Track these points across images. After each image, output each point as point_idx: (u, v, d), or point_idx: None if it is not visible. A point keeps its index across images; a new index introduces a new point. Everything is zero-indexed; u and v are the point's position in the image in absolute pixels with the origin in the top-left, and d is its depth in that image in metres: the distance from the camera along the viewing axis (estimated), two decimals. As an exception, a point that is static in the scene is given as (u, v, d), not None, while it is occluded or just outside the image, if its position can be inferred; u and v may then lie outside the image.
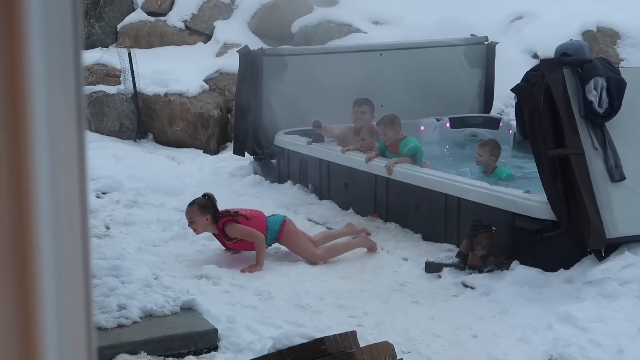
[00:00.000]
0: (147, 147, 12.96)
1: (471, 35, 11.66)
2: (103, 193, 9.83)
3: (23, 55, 0.98)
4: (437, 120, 11.13)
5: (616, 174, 6.49)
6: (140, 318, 5.73)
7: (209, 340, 5.58)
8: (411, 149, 8.50)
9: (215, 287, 6.80)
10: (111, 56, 13.86)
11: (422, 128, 10.96)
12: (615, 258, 6.26)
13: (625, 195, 6.50)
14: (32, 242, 1.01)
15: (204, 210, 7.45)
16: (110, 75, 13.84)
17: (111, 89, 13.40)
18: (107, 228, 8.44)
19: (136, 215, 8.82)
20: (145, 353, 5.36)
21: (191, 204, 7.56)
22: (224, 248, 7.72)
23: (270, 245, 7.65)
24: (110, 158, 11.30)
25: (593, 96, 6.50)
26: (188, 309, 5.94)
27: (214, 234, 7.65)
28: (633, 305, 5.77)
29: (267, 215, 7.75)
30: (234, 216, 7.47)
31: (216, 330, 5.62)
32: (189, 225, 7.61)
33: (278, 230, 7.57)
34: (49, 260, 1.01)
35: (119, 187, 9.91)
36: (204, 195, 7.64)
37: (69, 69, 1.02)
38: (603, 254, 6.36)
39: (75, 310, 1.09)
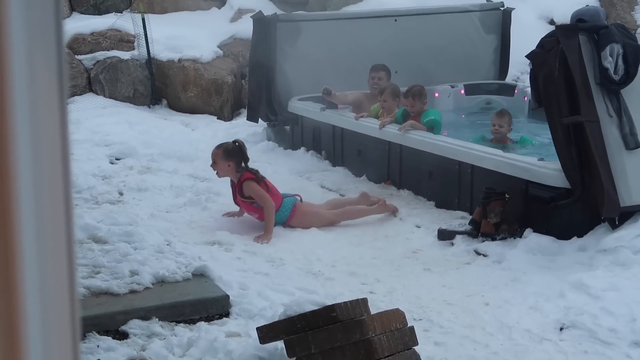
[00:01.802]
0: (161, 113, 12.94)
1: (487, 0, 11.54)
2: (117, 159, 9.83)
3: (2, 26, 0.95)
4: (452, 87, 11.05)
5: (631, 142, 6.43)
6: (152, 284, 5.75)
7: (221, 306, 5.59)
8: (430, 121, 8.44)
9: (228, 253, 6.80)
10: (125, 21, 13.80)
11: (436, 95, 10.89)
12: (629, 226, 6.22)
13: (640, 163, 6.44)
14: (13, 227, 0.99)
15: (228, 156, 7.49)
16: (124, 40, 13.78)
17: (125, 55, 13.35)
18: (121, 194, 8.43)
19: (149, 182, 8.81)
20: (157, 319, 5.37)
21: (218, 147, 7.64)
22: (236, 209, 7.69)
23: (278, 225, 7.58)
24: (124, 124, 11.30)
25: (609, 63, 6.42)
26: (200, 275, 5.95)
27: (232, 183, 7.63)
28: (646, 273, 5.74)
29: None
30: (256, 176, 7.44)
31: (228, 296, 5.62)
32: (211, 166, 7.64)
33: (288, 215, 7.54)
34: (30, 242, 0.99)
35: (132, 153, 9.91)
36: (235, 141, 7.65)
37: (51, 40, 0.99)
38: (617, 222, 6.31)
39: (59, 295, 1.07)
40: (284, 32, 10.35)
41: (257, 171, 7.58)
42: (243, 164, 7.55)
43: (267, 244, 7.10)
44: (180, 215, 7.81)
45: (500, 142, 8.40)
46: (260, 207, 7.42)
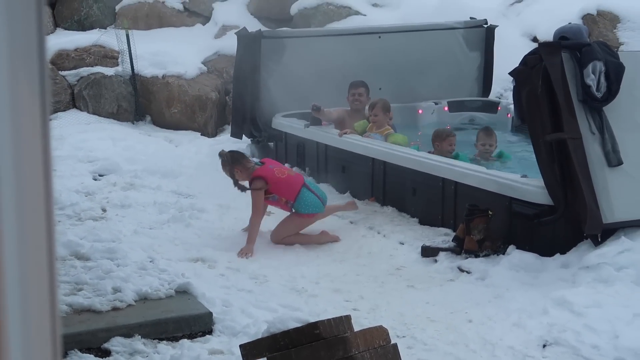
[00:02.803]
0: (145, 129, 12.92)
1: (470, 18, 11.61)
2: (100, 175, 9.80)
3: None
4: (436, 103, 11.10)
5: (613, 159, 6.46)
6: (135, 301, 5.73)
7: (204, 323, 5.58)
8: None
9: (211, 270, 6.80)
10: (109, 37, 13.80)
11: (420, 111, 10.94)
12: (612, 243, 6.25)
13: (622, 180, 6.47)
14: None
15: (227, 166, 7.74)
16: (108, 56, 13.78)
17: (109, 71, 13.34)
18: (104, 210, 8.42)
19: (133, 198, 8.80)
20: (140, 336, 5.36)
21: (222, 165, 7.87)
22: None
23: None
24: (107, 140, 11.28)
25: (591, 80, 6.46)
26: (183, 292, 5.94)
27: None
28: (629, 290, 5.76)
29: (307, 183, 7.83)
30: (261, 169, 7.65)
31: (211, 313, 5.61)
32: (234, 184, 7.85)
33: (302, 210, 7.64)
34: (11, 250, 0.99)
35: (116, 170, 9.89)
36: (220, 154, 7.90)
37: (33, 55, 0.99)
38: (599, 239, 6.34)
39: (39, 307, 1.07)
40: (268, 48, 10.37)
41: (263, 163, 7.82)
42: (249, 164, 7.74)
43: (251, 257, 7.11)
44: (164, 231, 7.80)
45: (483, 159, 8.46)
46: (276, 199, 7.64)
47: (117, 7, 15.99)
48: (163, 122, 13.26)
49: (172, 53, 13.72)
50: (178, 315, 5.58)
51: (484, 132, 8.76)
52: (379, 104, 9.10)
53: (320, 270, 6.86)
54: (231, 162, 7.73)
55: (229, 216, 8.35)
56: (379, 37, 11.01)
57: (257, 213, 7.49)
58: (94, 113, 13.05)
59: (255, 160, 8.00)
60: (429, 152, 8.34)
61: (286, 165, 10.04)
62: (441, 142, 8.38)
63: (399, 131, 9.27)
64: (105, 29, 15.22)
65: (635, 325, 5.36)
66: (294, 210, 7.66)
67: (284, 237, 7.58)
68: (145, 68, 13.32)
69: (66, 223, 7.85)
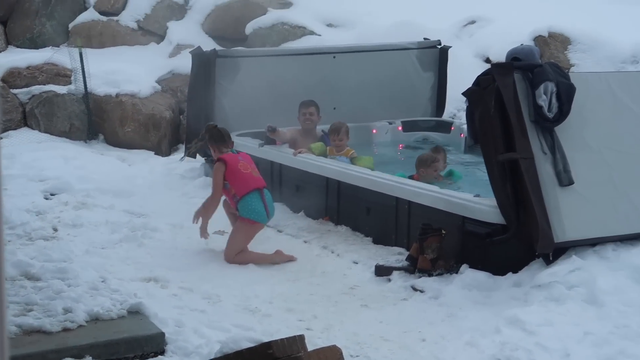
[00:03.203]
0: (98, 148, 12.83)
1: (424, 39, 11.70)
2: (51, 194, 9.69)
3: None
4: (390, 123, 11.16)
5: (565, 179, 6.53)
6: (87, 322, 5.65)
7: (156, 344, 5.52)
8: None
9: (164, 290, 6.74)
10: (62, 55, 13.70)
11: (374, 131, 10.99)
12: (563, 262, 6.31)
13: (574, 200, 6.54)
14: None
15: (206, 140, 8.00)
16: (60, 75, 13.67)
17: (62, 89, 13.24)
18: (55, 230, 8.32)
19: (85, 217, 8.71)
20: (91, 357, 5.28)
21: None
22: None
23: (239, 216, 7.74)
24: (59, 159, 11.17)
25: (543, 101, 6.53)
26: (135, 312, 5.87)
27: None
28: (580, 309, 5.82)
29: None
30: (229, 154, 7.79)
31: (163, 334, 5.55)
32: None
33: (245, 214, 7.63)
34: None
35: (67, 189, 9.79)
36: (207, 125, 8.16)
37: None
38: (551, 258, 6.40)
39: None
40: (223, 67, 10.36)
41: (237, 152, 7.95)
42: (225, 149, 7.85)
43: (206, 275, 7.07)
44: (116, 251, 7.74)
45: (437, 178, 8.50)
46: (227, 187, 7.71)
47: (71, 26, 15.90)
48: (116, 141, 13.18)
49: (126, 72, 13.66)
50: (130, 336, 5.51)
51: (433, 150, 8.83)
52: (344, 129, 9.14)
53: (273, 290, 6.83)
54: (209, 138, 7.95)
55: (182, 236, 8.30)
56: (334, 57, 11.05)
57: (215, 192, 7.72)
58: (45, 132, 12.93)
59: (234, 150, 7.99)
60: (412, 177, 8.24)
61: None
62: (426, 168, 8.30)
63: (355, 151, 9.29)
64: (58, 47, 15.14)
65: (586, 343, 5.42)
66: (237, 210, 7.66)
67: (237, 253, 7.54)
68: (99, 86, 13.24)
69: (16, 243, 7.75)
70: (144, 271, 7.12)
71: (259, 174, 7.86)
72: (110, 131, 13.25)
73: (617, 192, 6.72)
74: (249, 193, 7.63)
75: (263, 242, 7.96)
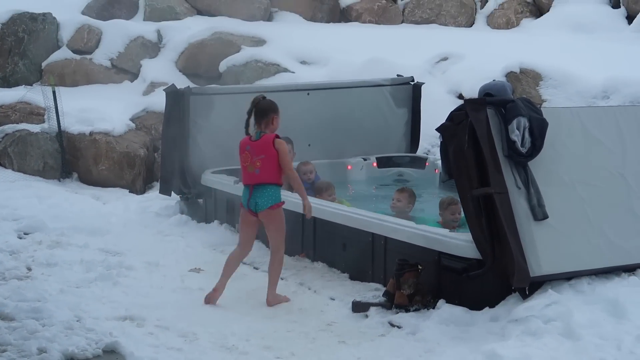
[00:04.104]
0: (72, 186, 12.78)
1: (397, 75, 11.78)
2: (25, 234, 9.64)
3: None
4: (364, 159, 11.20)
5: (539, 213, 6.57)
6: (61, 362, 5.61)
7: (132, 383, 5.48)
8: None
9: (140, 328, 6.69)
10: (35, 94, 13.67)
11: (349, 167, 11.02)
12: (539, 296, 6.33)
13: (548, 234, 6.58)
14: None
15: (267, 110, 7.53)
16: (34, 113, 13.65)
17: (35, 128, 13.21)
18: (29, 269, 8.27)
19: (59, 256, 8.65)
20: (66, 398, 5.24)
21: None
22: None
23: (248, 210, 7.49)
24: (32, 198, 11.12)
25: (516, 136, 6.58)
26: (111, 351, 5.85)
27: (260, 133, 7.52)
28: (557, 342, 5.83)
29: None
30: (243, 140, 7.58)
31: (139, 373, 5.51)
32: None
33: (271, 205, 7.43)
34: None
35: (41, 228, 9.74)
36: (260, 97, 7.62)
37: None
38: (527, 292, 6.41)
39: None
40: (197, 105, 10.37)
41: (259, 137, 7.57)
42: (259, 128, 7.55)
43: (183, 314, 7.02)
44: (91, 290, 7.68)
45: (401, 217, 8.46)
46: None
47: (44, 64, 15.87)
48: (90, 180, 13.14)
49: (100, 110, 13.65)
50: (105, 376, 5.47)
51: (398, 189, 8.95)
52: (332, 188, 9.19)
53: (250, 327, 6.80)
54: (274, 109, 7.54)
55: (157, 273, 8.26)
56: (308, 93, 11.09)
57: (293, 171, 7.51)
58: (19, 170, 12.88)
59: (259, 133, 7.57)
60: (438, 222, 8.19)
61: (216, 221, 10.01)
62: (444, 211, 8.27)
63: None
64: (32, 85, 15.10)
65: (563, 377, 5.43)
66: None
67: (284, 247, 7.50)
68: (72, 125, 13.21)
69: (-10, 282, 7.68)
70: (120, 310, 7.07)
71: (256, 169, 7.45)
72: (84, 169, 13.20)
73: (591, 226, 6.77)
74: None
75: (239, 279, 7.93)
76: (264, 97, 7.61)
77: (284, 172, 7.42)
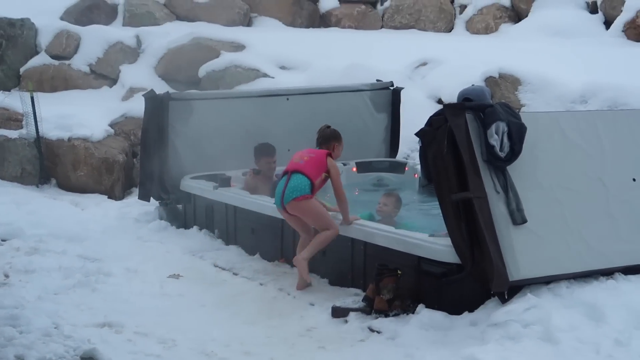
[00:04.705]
0: (50, 192, 12.73)
1: (377, 80, 11.79)
2: (3, 240, 9.58)
3: None
4: (344, 164, 11.18)
5: (518, 217, 6.58)
6: (39, 369, 5.57)
7: (111, 390, 5.45)
8: None
9: (118, 335, 6.66)
10: (13, 100, 13.61)
11: (328, 172, 10.98)
12: (518, 300, 6.34)
13: (527, 238, 6.59)
14: None
15: (329, 137, 8.10)
16: (12, 119, 13.57)
17: (13, 134, 13.15)
18: (6, 276, 8.21)
19: (37, 263, 8.60)
20: (44, 405, 5.20)
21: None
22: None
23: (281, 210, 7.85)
24: (10, 204, 11.04)
25: (495, 140, 6.59)
26: (89, 358, 5.82)
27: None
28: (536, 346, 5.83)
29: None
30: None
31: (118, 380, 5.49)
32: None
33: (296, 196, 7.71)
34: None
35: (19, 234, 9.67)
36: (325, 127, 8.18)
37: None
38: (506, 297, 6.42)
39: None
40: (176, 110, 10.34)
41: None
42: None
43: (161, 320, 7.00)
44: (69, 297, 7.63)
45: (386, 222, 8.48)
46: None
47: (22, 70, 15.79)
48: (69, 186, 13.08)
49: (78, 115, 13.60)
50: (84, 383, 5.44)
51: (385, 193, 8.99)
52: None
53: (230, 333, 6.78)
54: (336, 136, 8.06)
55: (136, 280, 8.23)
56: (287, 99, 11.09)
57: (343, 193, 7.81)
58: (-4, 177, 12.80)
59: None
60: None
61: (195, 227, 9.99)
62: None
63: None
64: (9, 91, 15.01)
65: (542, 381, 5.44)
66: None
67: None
68: (51, 130, 13.15)
69: (-33, 290, 7.62)
70: (98, 316, 7.03)
71: (302, 159, 7.89)
72: (63, 175, 13.15)
73: (570, 230, 6.78)
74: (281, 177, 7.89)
75: (219, 284, 7.92)
76: (328, 127, 8.18)
77: (333, 186, 7.82)
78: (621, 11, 16.88)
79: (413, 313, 6.77)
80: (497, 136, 6.59)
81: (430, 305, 6.76)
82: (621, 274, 6.72)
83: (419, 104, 13.05)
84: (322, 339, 6.68)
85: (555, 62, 13.95)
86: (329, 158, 7.87)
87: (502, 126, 6.64)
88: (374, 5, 19.37)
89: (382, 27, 18.79)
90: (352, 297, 7.39)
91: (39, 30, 16.16)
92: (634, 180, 7.17)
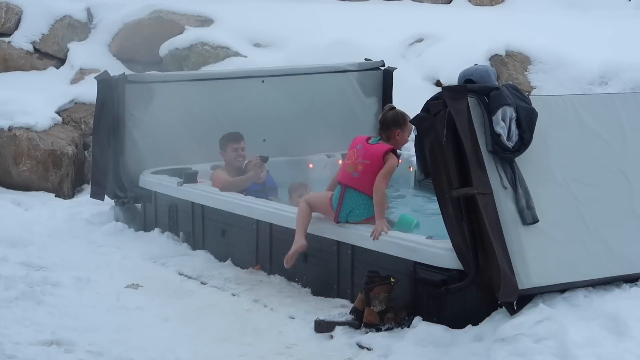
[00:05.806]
0: (-12, 190, 12.70)
1: (366, 59, 11.81)
2: None
3: None
4: (328, 156, 11.20)
5: (528, 216, 6.60)
6: (-23, 394, 5.57)
7: (60, 418, 5.45)
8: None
9: (68, 354, 6.66)
10: (-56, 83, 13.57)
11: (310, 166, 11.01)
12: (529, 311, 6.36)
13: (539, 240, 6.61)
14: None
15: (391, 124, 7.78)
16: (-57, 105, 13.53)
17: (-56, 122, 13.11)
18: (-63, 287, 8.19)
19: (-26, 272, 8.58)
20: None
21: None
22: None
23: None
24: (-58, 204, 11.03)
25: (501, 128, 6.62)
26: (34, 381, 5.80)
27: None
28: (549, 364, 5.87)
29: None
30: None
31: (68, 406, 5.49)
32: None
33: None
34: None
35: (-48, 239, 9.66)
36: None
37: None
38: (515, 307, 6.45)
39: None
40: (134, 95, 10.33)
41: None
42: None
43: (119, 337, 7.01)
44: (11, 310, 7.61)
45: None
46: None
47: (-46, 48, 15.75)
48: (10, 182, 13.07)
49: (20, 101, 13.57)
50: (29, 410, 5.44)
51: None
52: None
53: (198, 352, 6.79)
54: (396, 122, 7.76)
55: (89, 291, 8.22)
56: (262, 81, 11.09)
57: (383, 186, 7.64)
58: None
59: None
60: None
61: (157, 229, 9.99)
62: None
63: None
64: (-60, 72, 14.98)
65: (557, 404, 5.47)
66: None
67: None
68: (-12, 119, 13.12)
69: None
70: (45, 333, 7.02)
71: (356, 171, 7.75)
72: (3, 171, 13.13)
73: (588, 231, 6.82)
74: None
75: (185, 296, 7.92)
76: (393, 108, 7.91)
77: (376, 181, 7.62)
78: (646, -21, 16.98)
79: (408, 327, 6.80)
80: (503, 123, 6.61)
81: (428, 318, 6.78)
82: (647, 281, 6.79)
83: (413, 86, 13.09)
84: (304, 357, 6.70)
85: (571, 37, 14.02)
86: (387, 156, 7.63)
87: (510, 112, 6.66)
88: (362, -28, 19.40)
89: (371, -2, 18.82)
90: (338, 309, 7.41)
91: (-27, 3, 16.13)
92: (660, 173, 7.22)
